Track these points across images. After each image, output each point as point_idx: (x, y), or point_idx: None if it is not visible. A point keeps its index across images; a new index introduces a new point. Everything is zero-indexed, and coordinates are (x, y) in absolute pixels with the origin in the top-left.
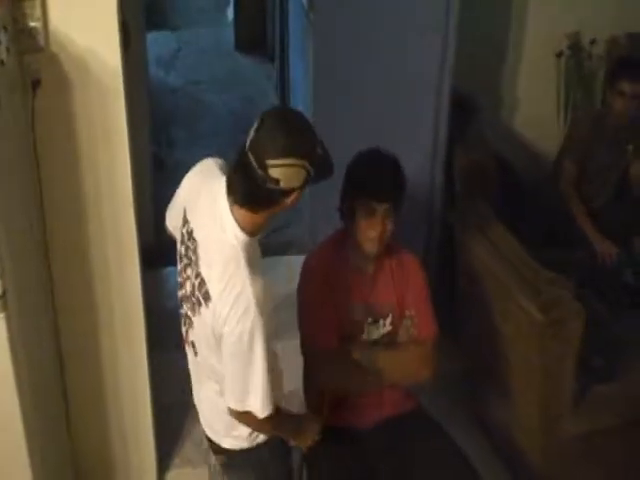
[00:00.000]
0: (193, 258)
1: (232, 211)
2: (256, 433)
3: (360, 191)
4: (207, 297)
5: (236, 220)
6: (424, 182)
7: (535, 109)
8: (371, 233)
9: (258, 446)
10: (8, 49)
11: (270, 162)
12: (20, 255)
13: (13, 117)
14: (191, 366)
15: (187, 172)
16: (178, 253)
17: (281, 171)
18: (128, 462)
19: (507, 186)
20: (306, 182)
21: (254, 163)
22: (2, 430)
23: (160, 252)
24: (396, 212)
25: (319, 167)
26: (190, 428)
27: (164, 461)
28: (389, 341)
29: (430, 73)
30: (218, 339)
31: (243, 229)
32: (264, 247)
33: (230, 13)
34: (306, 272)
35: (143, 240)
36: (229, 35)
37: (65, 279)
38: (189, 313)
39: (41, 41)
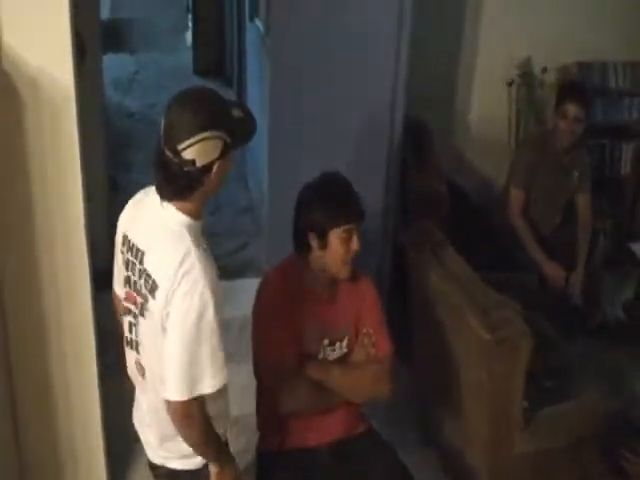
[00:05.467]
0: (136, 261)
1: (169, 206)
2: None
3: (333, 218)
4: (154, 287)
5: (176, 208)
6: (378, 205)
7: (487, 135)
8: (348, 257)
9: (202, 469)
10: None
11: (180, 146)
12: None
13: None
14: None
15: None
16: (123, 278)
17: (192, 150)
18: None
19: (459, 210)
20: (225, 150)
21: (170, 154)
22: None
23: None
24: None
25: (237, 131)
26: (142, 450)
27: None
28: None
29: (383, 98)
30: (165, 327)
31: (184, 213)
32: (220, 270)
33: (189, 37)
34: (264, 291)
35: (97, 262)
36: (187, 59)
37: (15, 299)
38: (133, 320)
39: None
